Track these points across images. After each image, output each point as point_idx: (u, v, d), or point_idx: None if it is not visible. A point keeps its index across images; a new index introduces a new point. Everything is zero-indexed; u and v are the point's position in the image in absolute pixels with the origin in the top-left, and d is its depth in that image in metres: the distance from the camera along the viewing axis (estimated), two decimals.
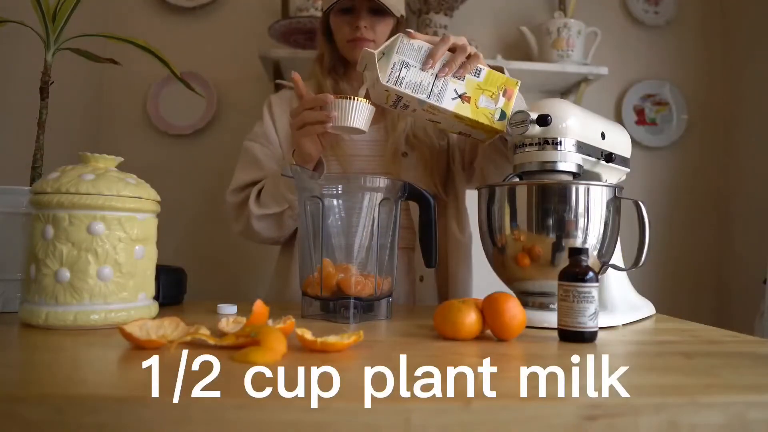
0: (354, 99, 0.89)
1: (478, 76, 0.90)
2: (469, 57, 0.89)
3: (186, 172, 1.86)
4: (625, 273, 0.97)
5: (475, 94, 0.89)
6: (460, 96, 0.88)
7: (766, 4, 1.88)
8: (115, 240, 0.72)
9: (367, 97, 0.93)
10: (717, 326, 0.89)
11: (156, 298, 0.83)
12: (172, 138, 1.87)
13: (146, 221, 0.77)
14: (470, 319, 0.71)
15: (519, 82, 0.93)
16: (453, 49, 0.89)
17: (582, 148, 0.88)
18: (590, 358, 0.64)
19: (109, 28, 1.78)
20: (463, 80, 0.89)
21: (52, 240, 0.71)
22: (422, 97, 0.87)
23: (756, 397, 0.50)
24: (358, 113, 0.89)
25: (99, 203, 0.71)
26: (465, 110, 0.88)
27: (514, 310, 0.71)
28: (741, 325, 1.77)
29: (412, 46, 0.88)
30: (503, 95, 0.90)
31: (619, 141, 0.98)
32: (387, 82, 0.85)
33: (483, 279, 1.11)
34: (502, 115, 0.90)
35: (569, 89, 1.94)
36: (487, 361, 0.61)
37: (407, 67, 0.86)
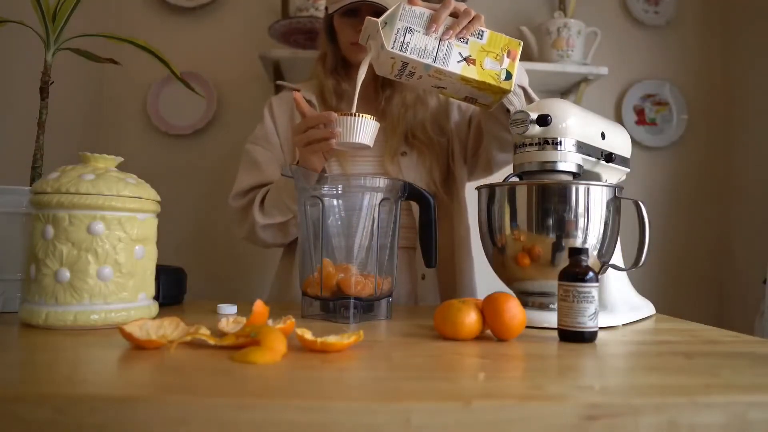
0: (358, 116, 0.89)
1: (481, 39, 0.90)
2: (471, 20, 0.89)
3: (186, 172, 1.86)
4: (625, 273, 0.97)
5: (480, 56, 0.89)
6: (465, 59, 0.88)
7: (766, 5, 1.88)
8: (115, 240, 0.72)
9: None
10: (717, 326, 0.89)
11: (156, 298, 0.83)
12: (172, 138, 1.87)
13: (146, 221, 0.77)
14: (470, 319, 0.71)
15: (521, 43, 0.92)
16: (455, 14, 0.89)
17: (582, 148, 0.88)
18: (590, 358, 0.65)
19: (109, 28, 1.78)
20: (466, 43, 0.89)
21: (52, 240, 0.71)
22: (428, 61, 0.87)
23: (756, 397, 0.50)
24: (363, 129, 0.90)
25: (99, 203, 0.71)
26: (471, 72, 0.88)
27: (514, 310, 0.71)
28: (741, 325, 1.77)
29: (414, 12, 0.88)
30: (507, 56, 0.90)
31: (619, 141, 0.98)
32: (392, 48, 0.86)
33: (483, 279, 1.12)
34: (508, 75, 0.89)
35: (569, 89, 1.94)
36: (487, 361, 0.62)
37: (411, 32, 0.87)
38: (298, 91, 1.25)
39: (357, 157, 1.20)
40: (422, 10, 0.89)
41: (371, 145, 0.92)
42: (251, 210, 1.14)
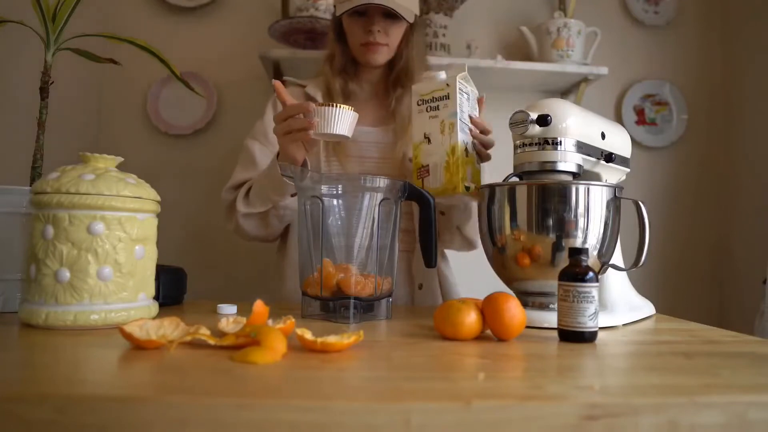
0: (336, 106, 0.91)
1: (476, 165, 1.02)
2: (487, 144, 1.03)
3: (186, 172, 1.86)
4: (625, 273, 0.97)
5: (466, 165, 0.97)
6: (466, 147, 0.98)
7: (766, 4, 1.88)
8: (115, 240, 0.72)
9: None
10: (717, 326, 0.89)
11: (156, 298, 0.83)
12: (172, 138, 1.87)
13: (146, 221, 0.77)
14: (470, 319, 0.71)
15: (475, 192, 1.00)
16: (486, 146, 1.04)
17: (582, 148, 0.88)
18: (590, 358, 0.65)
19: (109, 28, 1.78)
20: (472, 150, 1.00)
21: (52, 240, 0.71)
22: (459, 113, 0.96)
23: (756, 397, 0.50)
24: (341, 120, 0.91)
25: (99, 203, 0.71)
26: (457, 153, 0.95)
27: (514, 310, 0.71)
28: (741, 325, 1.77)
29: (473, 105, 1.04)
30: (451, 187, 0.97)
31: (619, 141, 0.98)
32: (459, 80, 0.98)
33: (483, 279, 1.12)
34: (466, 188, 0.97)
35: (569, 89, 1.94)
36: (487, 361, 0.62)
37: (468, 100, 1.01)
38: (304, 87, 1.25)
39: (363, 158, 1.20)
40: (478, 117, 1.03)
41: (349, 135, 0.94)
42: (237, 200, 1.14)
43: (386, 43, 1.18)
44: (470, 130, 1.00)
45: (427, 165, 0.99)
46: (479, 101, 1.06)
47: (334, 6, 1.22)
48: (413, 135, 1.01)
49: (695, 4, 2.06)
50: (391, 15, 1.15)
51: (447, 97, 0.97)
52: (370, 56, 1.19)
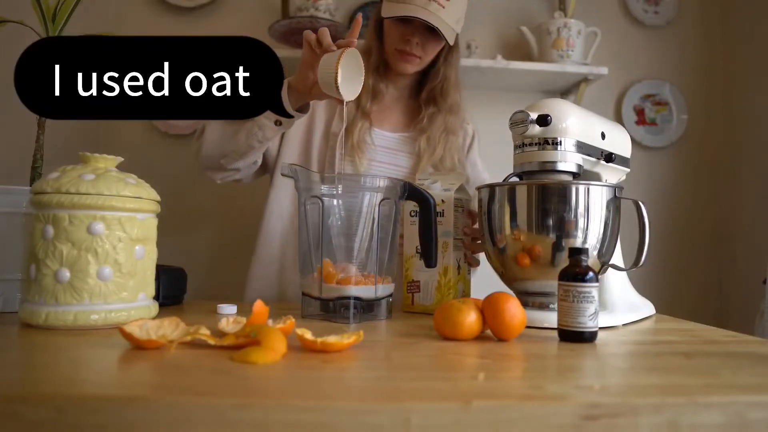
0: (359, 70, 0.89)
1: (467, 276, 1.04)
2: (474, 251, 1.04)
3: (186, 172, 1.86)
4: (625, 273, 0.97)
5: (454, 286, 0.98)
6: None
7: (766, 5, 1.88)
8: (115, 240, 0.72)
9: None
10: (717, 326, 0.89)
11: (156, 298, 0.83)
12: (172, 138, 1.87)
13: (146, 221, 0.77)
14: (470, 319, 0.71)
15: None
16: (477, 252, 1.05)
17: (582, 148, 0.88)
18: (590, 358, 0.65)
19: (109, 28, 1.77)
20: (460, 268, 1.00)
21: (52, 240, 0.71)
22: (452, 231, 0.97)
23: (756, 397, 0.50)
24: (346, 73, 0.86)
25: (99, 203, 0.71)
26: (450, 273, 0.97)
27: (514, 310, 0.71)
28: (741, 325, 1.77)
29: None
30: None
31: (619, 141, 0.98)
32: (455, 194, 0.99)
33: (483, 279, 1.12)
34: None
35: (569, 89, 1.94)
36: (487, 361, 0.62)
37: (462, 212, 1.01)
38: None
39: (373, 161, 1.21)
40: (469, 227, 1.03)
41: (322, 89, 0.89)
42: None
43: (420, 55, 1.18)
44: (463, 242, 1.00)
45: (418, 281, 0.99)
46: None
47: (381, 3, 1.21)
48: (405, 248, 1.00)
49: (695, 4, 2.05)
50: (432, 30, 1.14)
51: (441, 214, 0.96)
52: (402, 64, 1.19)
